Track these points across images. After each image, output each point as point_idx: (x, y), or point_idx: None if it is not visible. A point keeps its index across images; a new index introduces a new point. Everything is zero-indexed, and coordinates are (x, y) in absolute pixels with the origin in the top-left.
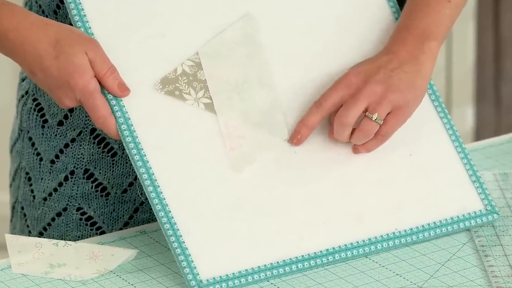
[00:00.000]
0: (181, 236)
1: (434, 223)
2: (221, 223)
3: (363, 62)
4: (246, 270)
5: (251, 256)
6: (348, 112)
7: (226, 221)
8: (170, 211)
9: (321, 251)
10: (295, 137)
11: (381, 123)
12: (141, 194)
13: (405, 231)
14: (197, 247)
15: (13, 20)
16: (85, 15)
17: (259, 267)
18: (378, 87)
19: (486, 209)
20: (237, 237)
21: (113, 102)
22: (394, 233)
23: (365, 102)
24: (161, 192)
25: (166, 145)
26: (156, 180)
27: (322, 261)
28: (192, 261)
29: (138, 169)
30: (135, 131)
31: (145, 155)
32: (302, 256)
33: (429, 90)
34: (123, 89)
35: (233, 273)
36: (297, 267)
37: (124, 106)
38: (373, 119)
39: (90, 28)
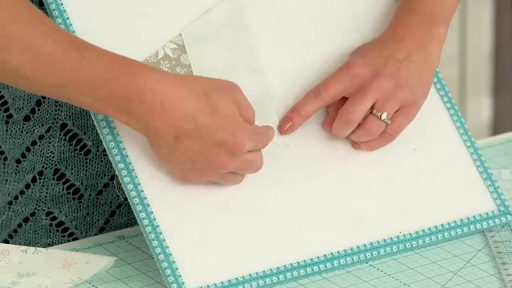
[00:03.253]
0: (164, 240)
1: (442, 225)
2: (209, 226)
3: (368, 49)
4: (237, 278)
5: (242, 263)
6: (355, 108)
7: (214, 224)
8: (152, 212)
9: (318, 257)
10: (286, 124)
11: (389, 122)
12: (120, 193)
13: (410, 234)
14: (182, 252)
15: (150, 79)
16: None
17: (250, 275)
18: (388, 82)
19: (499, 210)
20: (226, 241)
21: None
22: (398, 236)
23: (373, 98)
24: (142, 191)
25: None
26: (136, 177)
27: (319, 268)
28: (177, 269)
29: (116, 165)
30: (112, 121)
31: (124, 149)
32: (298, 262)
33: (434, 79)
34: (272, 131)
35: (222, 282)
36: (292, 275)
37: None
38: (382, 118)
39: (62, 4)
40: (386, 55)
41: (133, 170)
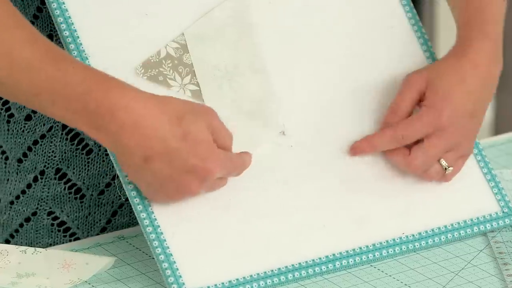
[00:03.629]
0: (165, 240)
1: (445, 227)
2: (210, 227)
3: (453, 87)
4: (237, 279)
5: (243, 263)
6: (425, 162)
7: (215, 224)
8: (153, 212)
9: (320, 258)
10: (355, 152)
11: (450, 171)
12: (121, 193)
13: (413, 235)
14: (182, 253)
15: (124, 97)
16: None
17: (251, 276)
18: (461, 138)
19: (503, 212)
20: (227, 242)
21: None
22: (401, 238)
23: (444, 152)
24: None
25: None
26: None
27: (321, 269)
28: (177, 269)
29: (117, 165)
30: None
31: None
32: (300, 263)
33: None
34: (249, 159)
35: (223, 283)
36: (294, 276)
37: None
38: (445, 169)
39: (63, 3)
40: (470, 110)
41: None
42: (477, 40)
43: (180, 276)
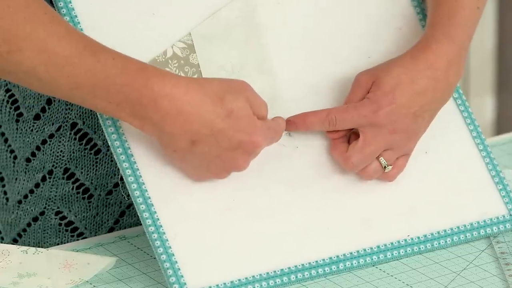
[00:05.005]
0: (167, 240)
1: (451, 229)
2: (213, 227)
3: (400, 85)
4: (240, 280)
5: (246, 264)
6: (361, 160)
7: (218, 224)
8: (155, 212)
9: (324, 260)
10: (290, 127)
11: (389, 170)
12: (126, 193)
13: (418, 238)
14: (185, 253)
15: (165, 85)
16: None
17: (254, 276)
18: (401, 137)
19: (510, 214)
20: (230, 242)
21: None
22: (406, 240)
23: (382, 150)
24: (146, 191)
25: (152, 139)
26: (141, 176)
27: (325, 270)
28: (179, 269)
29: (121, 164)
30: (117, 120)
31: (129, 149)
32: (303, 265)
33: None
34: (282, 121)
35: (225, 284)
36: (297, 277)
37: None
38: (384, 167)
39: (70, 2)
40: (418, 106)
41: (138, 169)
42: (439, 41)
43: (182, 276)
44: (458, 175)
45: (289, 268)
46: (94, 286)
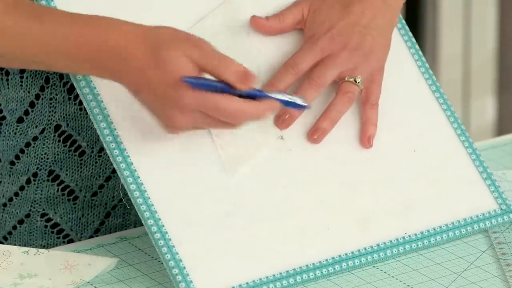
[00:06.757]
0: (173, 246)
1: (446, 225)
2: (216, 231)
3: (335, 15)
4: (247, 283)
5: (250, 267)
6: (326, 71)
7: (221, 228)
8: (160, 219)
9: (326, 260)
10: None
11: (362, 87)
12: (124, 197)
13: (415, 235)
14: (192, 258)
15: (121, 32)
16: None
17: (260, 279)
18: (354, 54)
19: (501, 209)
20: (233, 246)
21: (90, 97)
22: (403, 237)
23: (343, 67)
24: (149, 198)
25: (151, 145)
26: (142, 184)
27: (328, 270)
28: (188, 274)
29: (121, 172)
30: (115, 129)
31: (129, 157)
32: (307, 265)
33: (428, 80)
34: (244, 79)
35: (233, 287)
36: (302, 278)
37: (102, 102)
38: (357, 82)
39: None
40: (352, 22)
41: (139, 177)
42: None
43: (191, 281)
44: (446, 173)
45: (293, 269)
46: (95, 287)
